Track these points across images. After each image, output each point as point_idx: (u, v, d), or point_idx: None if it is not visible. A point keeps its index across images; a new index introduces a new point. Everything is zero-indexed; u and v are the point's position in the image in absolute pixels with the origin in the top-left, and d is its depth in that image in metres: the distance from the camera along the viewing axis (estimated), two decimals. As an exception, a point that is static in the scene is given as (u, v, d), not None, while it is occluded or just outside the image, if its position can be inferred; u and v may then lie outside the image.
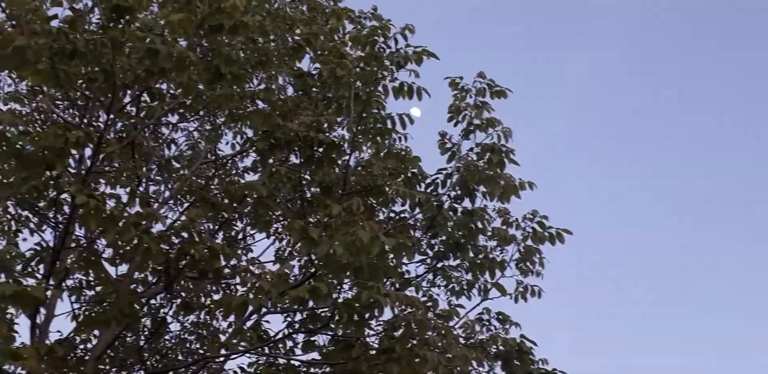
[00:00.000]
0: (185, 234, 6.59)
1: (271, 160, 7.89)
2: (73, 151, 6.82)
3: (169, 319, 9.00)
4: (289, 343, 9.07)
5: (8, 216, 8.24)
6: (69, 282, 8.43)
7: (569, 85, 21.25)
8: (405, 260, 7.47)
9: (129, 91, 7.25)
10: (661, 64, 21.71)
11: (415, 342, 6.73)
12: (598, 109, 22.19)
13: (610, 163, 22.38)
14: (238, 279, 8.57)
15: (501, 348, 8.58)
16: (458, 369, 7.07)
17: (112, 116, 6.61)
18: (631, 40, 21.28)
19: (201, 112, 9.39)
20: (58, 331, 7.29)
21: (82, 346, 8.64)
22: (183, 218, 7.08)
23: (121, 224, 6.19)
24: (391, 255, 6.86)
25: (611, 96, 22.03)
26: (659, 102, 22.01)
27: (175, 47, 6.26)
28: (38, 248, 7.23)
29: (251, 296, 6.45)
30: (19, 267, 6.68)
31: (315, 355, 8.22)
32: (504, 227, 8.95)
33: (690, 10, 21.24)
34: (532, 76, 20.92)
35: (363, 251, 6.36)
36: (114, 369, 8.55)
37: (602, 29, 21.02)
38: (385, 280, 7.62)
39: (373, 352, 7.00)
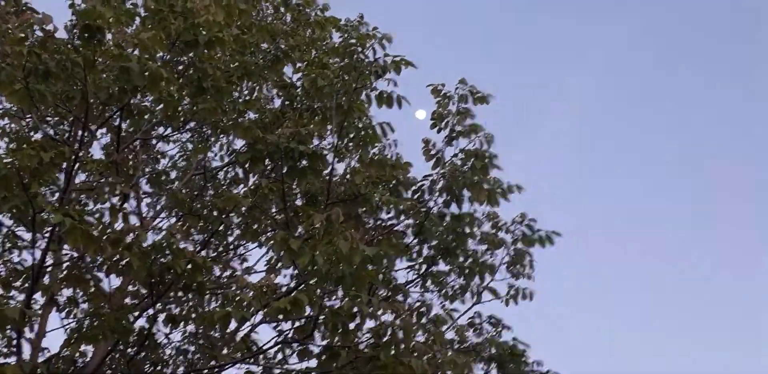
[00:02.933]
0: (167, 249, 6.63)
1: (255, 172, 7.97)
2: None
3: (164, 331, 9.07)
4: (288, 351, 9.16)
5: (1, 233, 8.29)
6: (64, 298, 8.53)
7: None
8: (389, 267, 7.47)
9: (109, 108, 7.32)
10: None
11: (401, 348, 6.75)
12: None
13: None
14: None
15: (494, 351, 8.62)
16: (448, 374, 7.08)
17: (89, 133, 6.65)
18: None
19: (191, 124, 9.44)
20: (45, 348, 7.34)
21: (81, 360, 8.71)
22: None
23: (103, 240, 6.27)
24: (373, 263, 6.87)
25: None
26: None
27: (147, 65, 6.32)
28: (20, 267, 7.31)
29: (233, 308, 6.49)
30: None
31: (311, 363, 8.29)
32: (493, 231, 8.99)
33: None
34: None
35: (344, 261, 6.40)
36: (111, 383, 8.61)
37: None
38: (376, 288, 7.67)
39: (362, 360, 7.03)
